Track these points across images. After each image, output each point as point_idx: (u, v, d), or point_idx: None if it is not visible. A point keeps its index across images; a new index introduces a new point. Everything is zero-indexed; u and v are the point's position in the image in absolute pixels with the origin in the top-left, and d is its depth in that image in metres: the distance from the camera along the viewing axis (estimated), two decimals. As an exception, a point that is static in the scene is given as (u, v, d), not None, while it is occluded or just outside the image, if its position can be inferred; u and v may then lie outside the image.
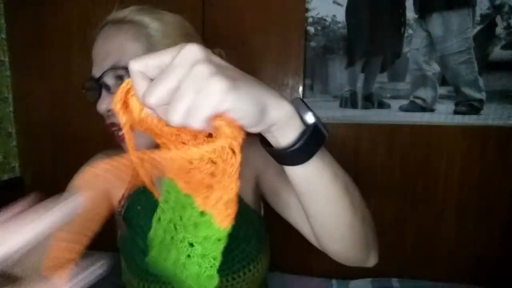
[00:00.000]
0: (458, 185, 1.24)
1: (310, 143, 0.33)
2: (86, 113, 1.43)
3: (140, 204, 0.62)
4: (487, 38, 1.15)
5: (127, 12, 0.53)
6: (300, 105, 0.35)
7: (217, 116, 0.27)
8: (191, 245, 0.37)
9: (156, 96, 0.26)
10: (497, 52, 1.15)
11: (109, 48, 0.52)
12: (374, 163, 1.27)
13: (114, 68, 0.50)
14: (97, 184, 0.58)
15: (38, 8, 1.40)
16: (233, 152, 0.28)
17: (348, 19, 1.21)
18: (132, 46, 0.50)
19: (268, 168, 0.61)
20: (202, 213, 0.35)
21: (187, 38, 0.54)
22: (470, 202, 1.25)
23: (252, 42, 1.27)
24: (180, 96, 0.26)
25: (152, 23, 0.52)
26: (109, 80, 0.52)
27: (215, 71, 0.26)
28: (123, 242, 0.65)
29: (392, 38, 1.20)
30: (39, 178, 1.52)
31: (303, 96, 1.27)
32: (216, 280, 0.37)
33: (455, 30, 1.15)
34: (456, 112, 1.19)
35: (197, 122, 0.26)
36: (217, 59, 0.28)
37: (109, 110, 0.52)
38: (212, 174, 0.31)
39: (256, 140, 0.42)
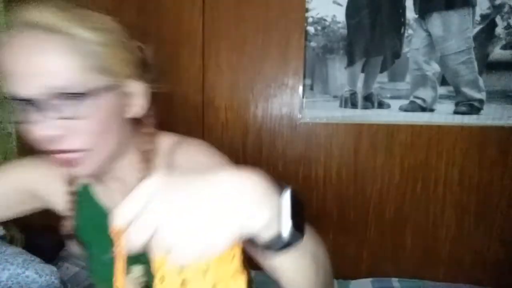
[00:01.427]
0: (458, 185, 1.24)
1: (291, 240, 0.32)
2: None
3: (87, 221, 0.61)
4: (487, 38, 1.15)
5: (53, 19, 0.42)
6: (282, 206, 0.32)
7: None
8: None
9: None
10: (497, 52, 1.15)
11: (38, 63, 0.42)
12: (374, 163, 1.27)
13: (51, 90, 0.42)
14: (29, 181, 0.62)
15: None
16: None
17: (348, 19, 1.21)
18: (65, 64, 0.42)
19: None
20: None
21: (125, 47, 0.49)
22: (469, 202, 1.25)
23: (252, 42, 1.27)
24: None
25: (85, 33, 0.44)
26: (49, 103, 0.42)
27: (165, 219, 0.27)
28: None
29: (392, 38, 1.20)
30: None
31: (302, 96, 1.27)
32: None
33: (455, 30, 1.15)
34: (456, 112, 1.19)
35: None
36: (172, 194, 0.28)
37: (60, 136, 0.44)
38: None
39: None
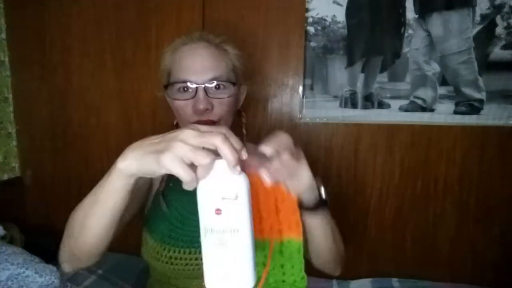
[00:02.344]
0: (458, 185, 1.24)
1: (320, 204, 0.63)
2: (86, 112, 1.43)
3: (177, 187, 0.76)
4: (487, 38, 1.15)
5: (219, 41, 0.77)
6: (320, 186, 0.63)
7: None
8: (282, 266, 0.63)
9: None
10: (497, 52, 1.15)
11: (208, 64, 0.71)
12: (374, 163, 1.27)
13: (214, 79, 0.71)
14: None
15: (38, 8, 1.40)
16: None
17: (348, 19, 1.21)
18: (223, 66, 0.73)
19: None
20: (281, 242, 0.61)
21: (244, 61, 0.81)
22: (470, 202, 1.25)
23: (252, 42, 1.27)
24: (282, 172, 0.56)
25: (233, 51, 0.78)
26: (210, 86, 0.71)
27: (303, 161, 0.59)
28: (151, 214, 0.78)
29: (392, 38, 1.20)
30: (39, 178, 1.52)
31: (303, 96, 1.27)
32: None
33: (455, 30, 1.15)
34: (456, 112, 1.19)
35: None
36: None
37: (206, 109, 0.69)
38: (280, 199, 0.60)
39: None
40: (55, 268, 1.11)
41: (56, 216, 1.53)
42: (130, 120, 1.39)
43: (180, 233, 0.72)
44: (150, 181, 0.79)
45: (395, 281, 1.27)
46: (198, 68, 0.71)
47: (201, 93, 0.69)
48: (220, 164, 0.42)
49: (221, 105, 0.71)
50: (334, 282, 1.29)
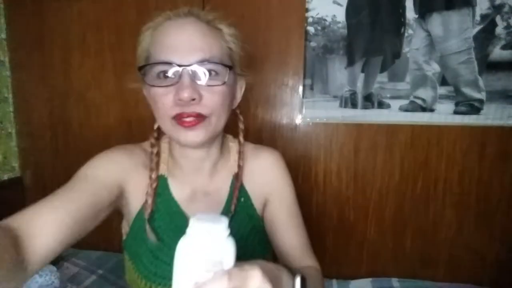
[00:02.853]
0: (458, 185, 1.24)
1: None
2: (86, 112, 1.43)
3: (165, 218, 0.64)
4: (487, 38, 1.15)
5: (212, 17, 0.61)
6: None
7: None
8: None
9: None
10: (497, 52, 1.15)
11: (197, 43, 0.56)
12: (374, 163, 1.27)
13: (204, 61, 0.55)
14: (112, 171, 0.60)
15: (38, 7, 1.40)
16: None
17: (348, 19, 1.21)
18: (217, 48, 0.58)
19: (276, 198, 0.70)
20: None
21: (241, 45, 0.66)
22: (469, 202, 1.25)
23: (252, 42, 1.26)
24: None
25: (227, 30, 0.62)
26: (198, 70, 0.55)
27: None
28: (131, 242, 0.65)
29: (392, 38, 1.20)
30: (39, 178, 1.52)
31: (303, 96, 1.27)
32: None
33: (455, 30, 1.15)
34: (456, 112, 1.19)
35: None
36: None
37: (192, 99, 0.54)
38: None
39: (280, 173, 0.71)
40: (55, 268, 1.11)
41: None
42: (130, 120, 1.39)
43: (168, 269, 0.56)
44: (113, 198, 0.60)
45: (395, 281, 1.27)
46: (184, 47, 0.55)
47: (186, 78, 0.53)
48: (214, 227, 0.36)
49: (212, 95, 0.55)
50: (334, 281, 1.29)
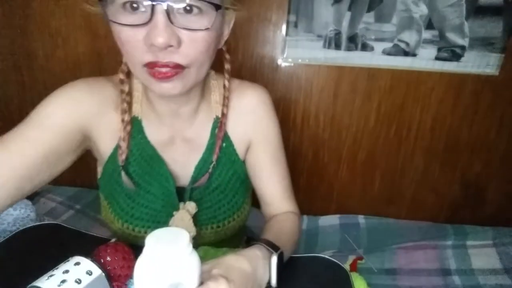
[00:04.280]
0: (430, 131, 1.29)
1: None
2: (52, 43, 1.31)
3: (141, 162, 0.61)
4: (479, -21, 1.10)
5: None
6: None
7: None
8: None
9: None
10: (487, -4, 1.11)
11: None
12: (352, 107, 1.28)
13: None
14: (73, 114, 0.53)
15: None
16: None
17: (338, -51, 1.11)
18: None
19: (260, 142, 0.66)
20: None
21: None
22: (438, 147, 1.31)
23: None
24: None
25: None
26: (177, 7, 0.43)
27: None
28: (105, 184, 0.62)
29: (383, -27, 1.12)
30: (6, 115, 1.44)
31: (286, 34, 1.21)
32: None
33: (449, -31, 1.09)
34: (437, 58, 1.19)
35: None
36: None
37: (169, 46, 0.44)
38: None
39: (267, 114, 0.67)
40: (30, 202, 1.10)
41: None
42: (100, 51, 1.30)
43: (145, 212, 0.59)
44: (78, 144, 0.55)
45: (361, 218, 1.37)
46: None
47: (160, 17, 0.42)
48: (173, 248, 0.33)
49: (193, 42, 0.45)
50: (305, 217, 1.38)
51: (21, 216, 1.02)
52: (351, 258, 1.13)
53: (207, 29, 0.45)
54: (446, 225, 1.31)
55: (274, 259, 0.49)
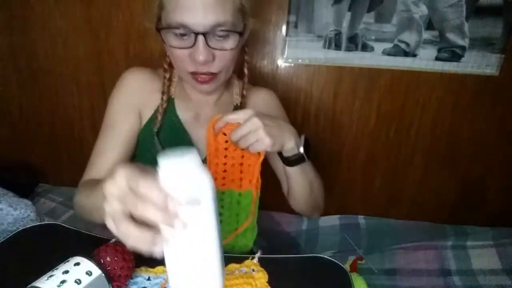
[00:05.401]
0: (430, 131, 1.29)
1: (299, 160, 0.68)
2: (52, 43, 1.31)
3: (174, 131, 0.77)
4: (480, -21, 1.10)
5: None
6: (300, 142, 0.67)
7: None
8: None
9: (239, 135, 0.60)
10: (487, -4, 1.11)
11: (212, 3, 0.60)
12: (352, 107, 1.28)
13: (218, 26, 0.62)
14: (137, 98, 0.76)
15: None
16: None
17: (339, -51, 1.11)
18: (230, 7, 0.63)
19: None
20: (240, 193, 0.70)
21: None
22: (438, 148, 1.31)
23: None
24: (248, 138, 0.60)
25: None
26: (212, 35, 0.63)
27: (265, 132, 0.59)
28: (141, 149, 0.78)
29: (383, -26, 1.12)
30: (7, 113, 1.44)
31: (286, 34, 1.21)
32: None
33: (449, -31, 1.09)
34: (437, 59, 1.19)
35: (253, 150, 0.61)
36: (266, 118, 0.61)
37: (210, 62, 0.65)
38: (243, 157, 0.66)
39: (277, 105, 0.90)
40: (30, 202, 1.11)
41: (28, 152, 1.49)
42: (100, 52, 1.30)
43: None
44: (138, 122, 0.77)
45: (361, 218, 1.37)
46: (198, 8, 0.60)
47: (201, 43, 0.62)
48: (184, 160, 0.33)
49: (223, 57, 0.66)
50: (305, 217, 1.37)
51: (21, 216, 1.02)
52: (351, 259, 1.13)
53: (233, 49, 0.66)
54: (446, 225, 1.31)
55: (303, 137, 0.67)
